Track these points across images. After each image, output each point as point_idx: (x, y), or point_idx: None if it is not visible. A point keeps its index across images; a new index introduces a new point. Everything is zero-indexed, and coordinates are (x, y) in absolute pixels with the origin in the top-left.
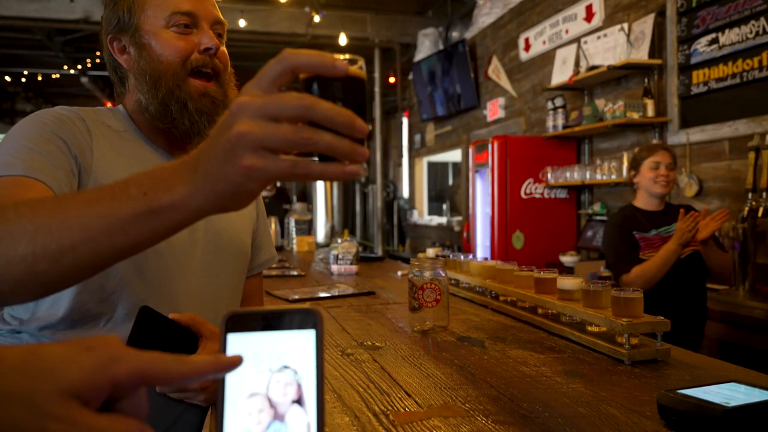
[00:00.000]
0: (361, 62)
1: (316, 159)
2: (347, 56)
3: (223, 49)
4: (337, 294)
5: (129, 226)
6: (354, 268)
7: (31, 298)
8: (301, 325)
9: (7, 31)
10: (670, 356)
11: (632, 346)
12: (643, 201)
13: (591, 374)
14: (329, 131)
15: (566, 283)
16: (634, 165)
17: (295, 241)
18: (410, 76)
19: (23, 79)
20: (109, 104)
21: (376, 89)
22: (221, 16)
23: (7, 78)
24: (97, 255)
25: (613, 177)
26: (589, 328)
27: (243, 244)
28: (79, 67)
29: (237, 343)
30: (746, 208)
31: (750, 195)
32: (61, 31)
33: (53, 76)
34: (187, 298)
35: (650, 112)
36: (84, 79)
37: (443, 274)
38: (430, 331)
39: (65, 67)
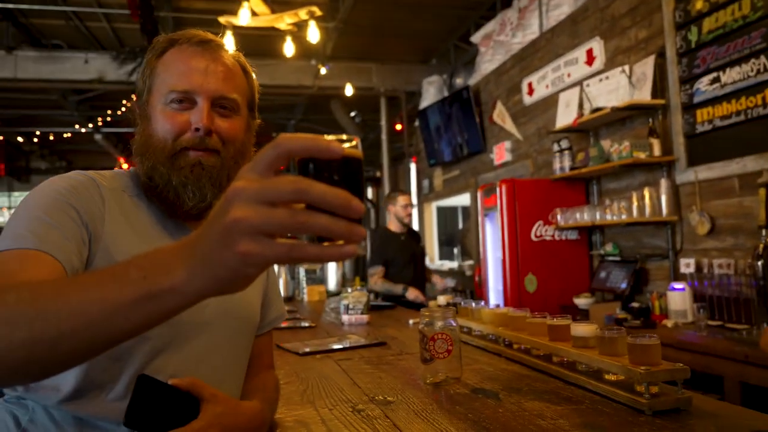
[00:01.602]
0: (356, 141)
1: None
2: (343, 136)
3: (230, 123)
4: (348, 346)
5: (129, 311)
6: (365, 317)
7: (30, 381)
8: None
9: (24, 93)
10: (692, 405)
11: (652, 395)
12: None
13: (611, 426)
14: (325, 213)
15: (580, 330)
16: None
17: (305, 290)
18: (416, 123)
19: (35, 139)
20: (121, 159)
21: (384, 136)
22: (228, 92)
23: (20, 138)
24: (96, 340)
25: (624, 217)
26: (607, 376)
27: (253, 307)
28: (91, 125)
29: None
30: (761, 245)
31: (763, 231)
32: (76, 91)
33: (65, 135)
34: (194, 364)
35: (657, 151)
36: (98, 136)
37: (454, 324)
38: (443, 383)
39: (77, 126)
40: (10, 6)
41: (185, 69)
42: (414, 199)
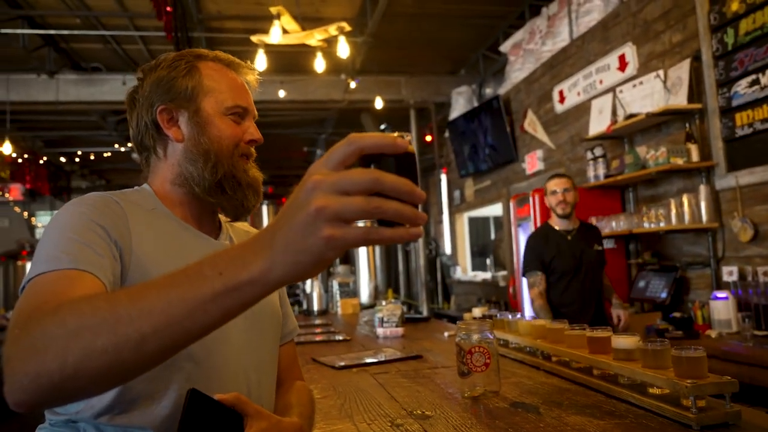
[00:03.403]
0: (410, 137)
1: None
2: (397, 134)
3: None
4: (384, 359)
5: (209, 305)
6: (400, 330)
7: (109, 388)
8: None
9: (65, 115)
10: (741, 419)
11: (699, 410)
12: None
13: None
14: (394, 200)
15: (622, 342)
16: None
17: (339, 303)
18: (446, 134)
19: (77, 159)
20: None
21: (414, 148)
22: (257, 112)
23: (63, 159)
24: (179, 337)
25: (662, 224)
26: (651, 390)
27: (277, 308)
28: (129, 144)
29: None
30: None
31: None
32: (114, 112)
33: (104, 155)
34: (231, 367)
35: (694, 156)
36: (135, 155)
37: (491, 337)
38: (482, 397)
39: (116, 145)
40: (52, 32)
41: (237, 86)
42: (445, 211)
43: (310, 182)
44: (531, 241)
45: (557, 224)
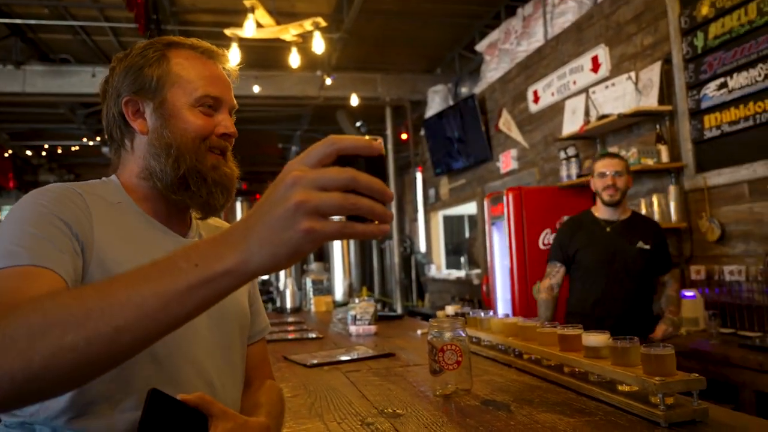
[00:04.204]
0: (380, 140)
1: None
2: (369, 137)
3: (236, 131)
4: (356, 357)
5: (184, 297)
6: (372, 328)
7: (73, 387)
8: None
9: (32, 107)
10: (708, 416)
11: (668, 407)
12: None
13: None
14: (367, 198)
15: (592, 339)
16: None
17: (312, 301)
18: (422, 132)
19: (44, 152)
20: None
21: (389, 146)
22: (235, 102)
23: (29, 152)
24: (152, 330)
25: None
26: (620, 387)
27: (245, 308)
28: (98, 138)
29: None
30: None
31: None
32: (84, 105)
33: (73, 148)
34: (195, 368)
35: (664, 157)
36: (105, 149)
37: (464, 334)
38: (453, 395)
39: (84, 139)
40: (18, 21)
41: (210, 75)
42: (420, 209)
43: (290, 178)
44: (559, 228)
45: (600, 212)
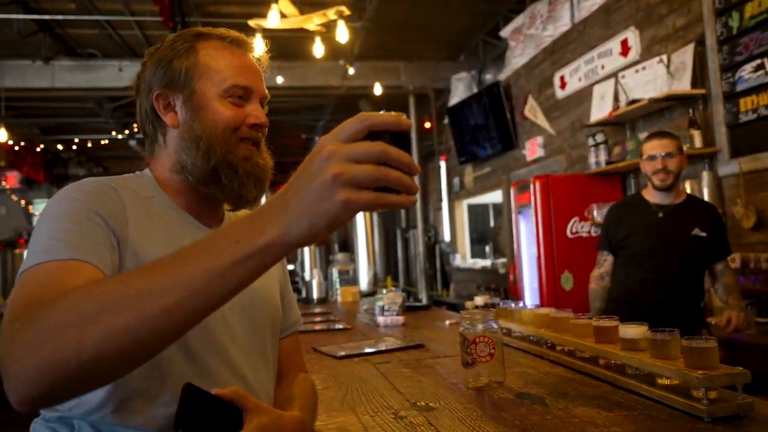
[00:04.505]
0: (405, 116)
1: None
2: (394, 113)
3: (267, 121)
4: (385, 348)
5: (229, 273)
6: (400, 319)
7: (125, 373)
8: None
9: (61, 102)
10: (753, 410)
11: (711, 401)
12: None
13: None
14: (395, 170)
15: (630, 332)
16: None
17: (339, 291)
18: (446, 121)
19: (74, 146)
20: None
21: (414, 135)
22: (267, 92)
23: (59, 146)
24: (200, 308)
25: None
26: (660, 381)
27: (276, 301)
28: (126, 131)
29: None
30: None
31: None
32: (111, 98)
33: (102, 142)
34: (229, 364)
35: (698, 142)
36: (132, 142)
37: (496, 326)
38: (486, 388)
39: (113, 133)
40: (47, 17)
41: (239, 65)
42: (444, 198)
43: (326, 151)
44: (607, 213)
45: (652, 196)
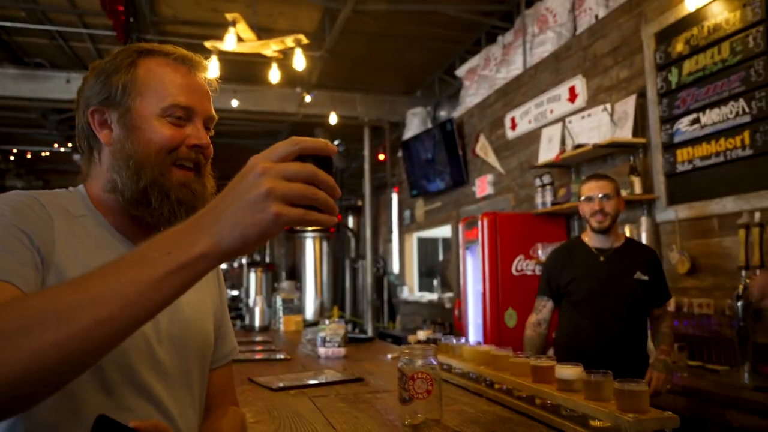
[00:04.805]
0: (331, 143)
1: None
2: (321, 140)
3: (210, 143)
4: (324, 381)
5: (163, 284)
6: (342, 350)
7: (55, 390)
8: None
9: (2, 110)
10: None
11: None
12: None
13: None
14: (321, 190)
15: (565, 372)
16: None
17: (282, 320)
18: (399, 153)
19: (11, 157)
20: None
21: (366, 166)
22: (214, 113)
23: None
24: (133, 319)
25: None
26: (593, 423)
27: (208, 333)
28: (70, 145)
29: None
30: (740, 286)
31: (743, 273)
32: (57, 110)
33: (42, 154)
34: (149, 396)
35: (637, 189)
36: (76, 156)
37: (435, 363)
38: (423, 426)
39: (56, 145)
40: None
41: (183, 83)
42: (394, 230)
43: (259, 168)
44: (547, 258)
45: (591, 239)
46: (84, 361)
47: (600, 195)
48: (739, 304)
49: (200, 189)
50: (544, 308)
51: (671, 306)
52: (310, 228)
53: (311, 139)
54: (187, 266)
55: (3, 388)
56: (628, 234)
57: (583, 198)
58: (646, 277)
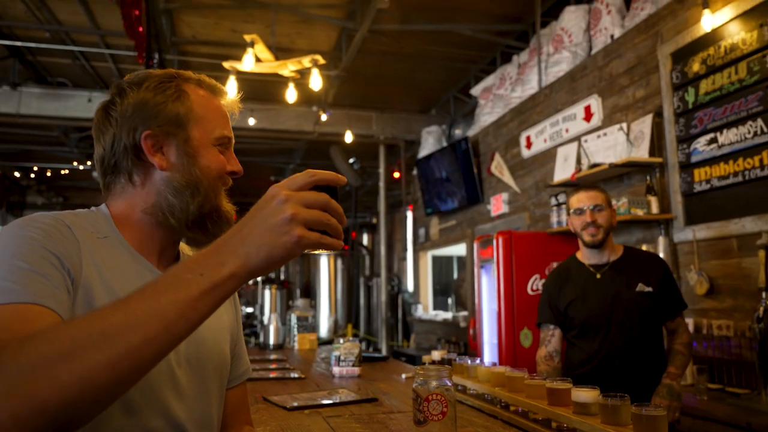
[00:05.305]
0: (341, 176)
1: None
2: (332, 173)
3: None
4: (338, 401)
5: (199, 303)
6: (356, 370)
7: (102, 410)
8: None
9: (25, 128)
10: None
11: None
12: None
13: None
14: (333, 217)
15: (582, 395)
16: None
17: (296, 338)
18: (414, 172)
19: (32, 174)
20: None
21: (381, 184)
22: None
23: (17, 173)
24: (173, 338)
25: None
26: None
27: (225, 354)
28: (89, 163)
29: None
30: (761, 308)
31: (764, 294)
32: (78, 129)
33: (62, 171)
34: (168, 418)
35: (654, 208)
36: (95, 174)
37: (450, 384)
38: None
39: (75, 163)
40: (18, 44)
41: (222, 115)
42: (409, 248)
43: (282, 195)
44: (546, 282)
45: (585, 257)
46: (132, 379)
47: (591, 206)
48: (760, 326)
49: (231, 208)
50: (552, 338)
51: (689, 327)
52: (320, 251)
53: (325, 171)
54: (219, 286)
55: (60, 408)
56: None
57: (572, 211)
58: (650, 288)
